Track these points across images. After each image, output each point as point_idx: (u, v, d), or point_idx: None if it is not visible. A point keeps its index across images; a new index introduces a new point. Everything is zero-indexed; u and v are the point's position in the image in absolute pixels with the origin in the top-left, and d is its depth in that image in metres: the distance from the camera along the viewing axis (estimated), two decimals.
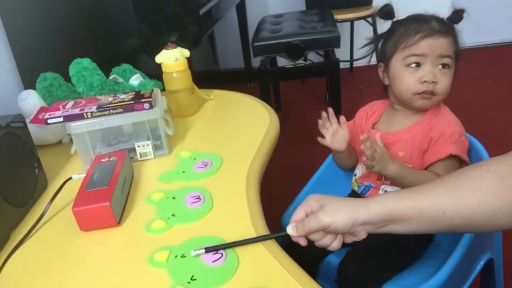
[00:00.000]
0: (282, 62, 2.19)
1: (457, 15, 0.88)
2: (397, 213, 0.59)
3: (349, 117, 1.07)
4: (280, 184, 1.71)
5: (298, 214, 0.65)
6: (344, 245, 0.98)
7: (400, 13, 0.92)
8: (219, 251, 0.63)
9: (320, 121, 0.94)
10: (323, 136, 0.94)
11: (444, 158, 0.84)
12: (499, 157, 0.58)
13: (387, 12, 0.92)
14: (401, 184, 0.88)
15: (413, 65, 0.86)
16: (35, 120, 0.95)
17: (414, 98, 0.88)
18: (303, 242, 0.65)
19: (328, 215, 0.61)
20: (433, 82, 0.85)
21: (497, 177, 0.55)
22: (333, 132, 0.92)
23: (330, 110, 0.92)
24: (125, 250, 0.70)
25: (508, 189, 0.54)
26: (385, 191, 0.92)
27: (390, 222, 0.60)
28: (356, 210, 0.61)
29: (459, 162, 0.87)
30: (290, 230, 0.64)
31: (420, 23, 0.86)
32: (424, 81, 0.85)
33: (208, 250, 0.63)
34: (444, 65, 0.85)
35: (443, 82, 0.86)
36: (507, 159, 0.56)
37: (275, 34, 2.05)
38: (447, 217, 0.57)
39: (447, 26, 0.86)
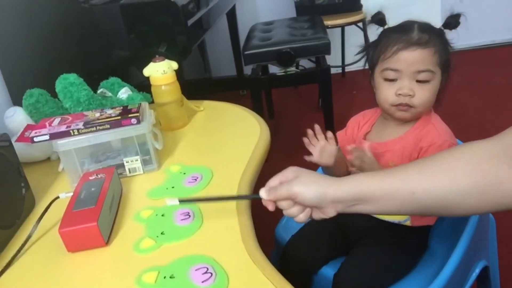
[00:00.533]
0: (275, 69, 2.19)
1: (454, 19, 0.86)
2: (366, 193, 0.61)
3: (342, 122, 1.07)
4: None
5: (274, 181, 0.67)
6: (338, 256, 0.98)
7: (393, 16, 0.92)
8: (209, 271, 0.62)
9: (305, 139, 0.91)
10: (309, 153, 0.90)
11: None
12: (476, 141, 0.58)
13: (378, 20, 0.92)
14: None
15: (390, 78, 0.85)
16: (21, 138, 0.93)
17: (392, 109, 0.87)
18: (271, 207, 0.67)
19: (299, 184, 0.63)
20: (409, 95, 0.84)
21: (471, 159, 0.56)
22: (321, 148, 0.89)
23: (317, 126, 0.91)
24: (113, 271, 0.69)
25: (480, 171, 0.55)
26: None
27: (359, 201, 0.62)
28: (328, 186, 0.62)
29: None
30: (263, 193, 0.67)
31: (400, 34, 0.84)
32: (400, 94, 0.84)
33: (182, 201, 0.70)
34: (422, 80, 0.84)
35: (420, 95, 0.84)
36: (482, 143, 0.57)
37: (265, 42, 2.04)
38: (417, 198, 0.58)
39: (430, 35, 0.83)
